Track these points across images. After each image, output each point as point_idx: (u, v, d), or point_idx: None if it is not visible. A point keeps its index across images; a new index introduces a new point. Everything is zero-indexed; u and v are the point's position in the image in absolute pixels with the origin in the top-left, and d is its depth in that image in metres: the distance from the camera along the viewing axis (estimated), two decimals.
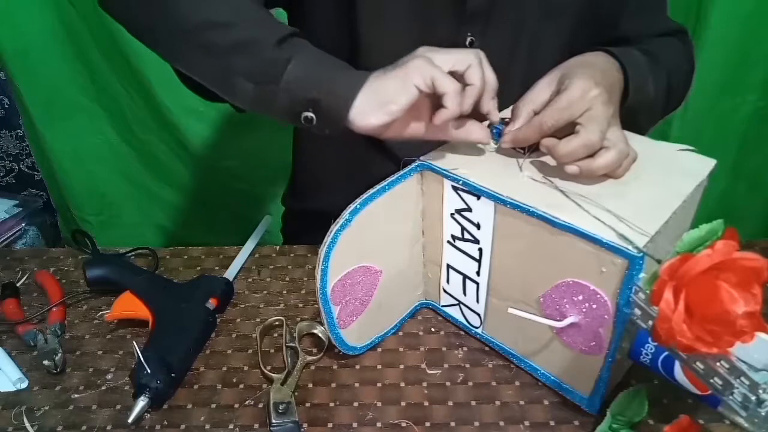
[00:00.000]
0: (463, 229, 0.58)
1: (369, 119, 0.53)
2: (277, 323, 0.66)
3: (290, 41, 0.55)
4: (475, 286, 0.61)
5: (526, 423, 0.56)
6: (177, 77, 0.64)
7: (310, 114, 0.54)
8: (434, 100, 0.54)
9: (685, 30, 0.76)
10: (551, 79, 0.58)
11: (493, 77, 0.56)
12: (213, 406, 0.58)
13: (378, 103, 0.53)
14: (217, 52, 0.56)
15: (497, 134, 0.60)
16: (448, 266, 0.63)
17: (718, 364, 0.42)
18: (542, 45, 0.71)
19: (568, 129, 0.54)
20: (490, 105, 0.57)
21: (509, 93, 0.63)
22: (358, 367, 0.62)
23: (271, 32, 0.55)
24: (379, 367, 0.62)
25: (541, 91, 0.58)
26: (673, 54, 0.73)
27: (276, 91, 0.54)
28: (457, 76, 0.54)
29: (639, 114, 0.64)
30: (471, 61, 0.54)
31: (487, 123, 0.59)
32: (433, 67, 0.52)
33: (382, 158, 0.74)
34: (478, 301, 0.62)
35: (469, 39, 0.69)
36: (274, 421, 0.55)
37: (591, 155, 0.53)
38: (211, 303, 0.67)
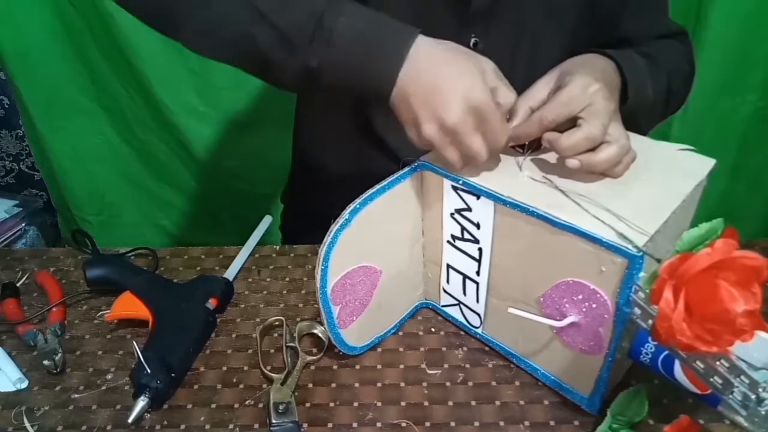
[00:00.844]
0: (463, 228, 0.58)
1: (399, 109, 0.53)
2: (277, 323, 0.66)
3: (322, 27, 0.51)
4: (475, 285, 0.61)
5: (526, 423, 0.56)
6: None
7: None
8: None
9: (686, 32, 0.76)
10: (550, 78, 0.58)
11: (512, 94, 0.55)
12: (213, 406, 0.58)
13: (407, 110, 0.53)
14: (248, 47, 0.54)
15: None
16: (448, 266, 0.63)
17: (717, 363, 0.42)
18: (543, 45, 0.71)
19: (568, 125, 0.54)
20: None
21: None
22: (358, 367, 0.62)
23: (303, 21, 0.52)
24: (379, 367, 0.62)
25: (540, 89, 0.58)
26: (673, 56, 0.73)
27: (321, 87, 0.55)
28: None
29: (638, 116, 0.64)
30: (482, 157, 0.52)
31: None
32: (471, 139, 0.51)
33: (382, 158, 0.74)
34: (478, 301, 0.62)
35: (473, 40, 0.69)
36: (274, 421, 0.55)
37: (592, 149, 0.53)
38: (211, 303, 0.67)
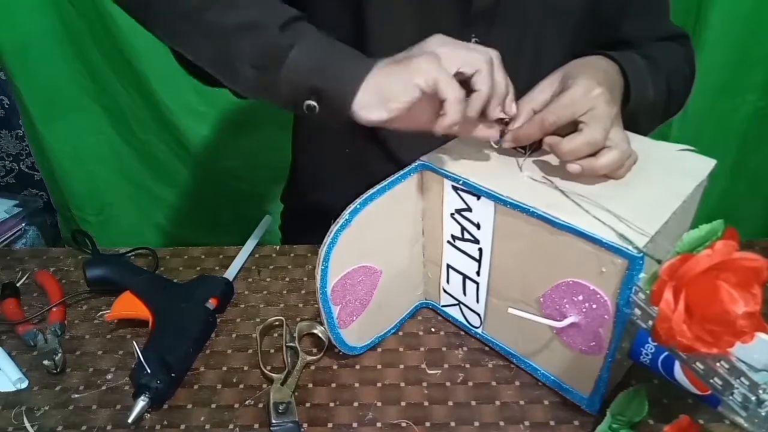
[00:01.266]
0: (463, 229, 0.58)
1: (370, 114, 0.52)
2: (277, 323, 0.66)
3: (294, 26, 0.53)
4: (475, 286, 0.61)
5: (526, 423, 0.56)
6: (177, 62, 0.63)
7: (313, 102, 0.53)
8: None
9: (687, 35, 0.76)
10: (553, 80, 0.58)
11: (504, 82, 0.54)
12: (213, 406, 0.58)
13: (380, 99, 0.52)
14: (218, 33, 0.55)
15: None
16: (448, 266, 0.63)
17: (718, 364, 0.42)
18: (545, 46, 0.71)
19: (569, 128, 0.54)
20: (496, 111, 0.56)
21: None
22: (358, 367, 0.62)
23: (276, 15, 0.53)
24: (379, 367, 0.62)
25: (543, 90, 0.58)
26: (674, 58, 0.73)
27: (277, 78, 0.53)
28: (465, 77, 0.53)
29: (639, 118, 0.64)
30: (479, 66, 0.52)
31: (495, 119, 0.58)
32: (438, 68, 0.51)
33: (382, 158, 0.74)
34: (478, 301, 0.62)
35: (473, 40, 0.69)
36: (274, 421, 0.55)
37: (593, 154, 0.53)
38: (211, 303, 0.67)
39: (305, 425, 0.56)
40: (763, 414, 0.41)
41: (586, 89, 0.54)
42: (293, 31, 0.53)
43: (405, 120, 0.54)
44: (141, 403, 0.55)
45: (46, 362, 0.61)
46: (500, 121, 0.58)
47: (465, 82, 0.53)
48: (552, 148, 0.55)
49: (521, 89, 0.60)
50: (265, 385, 0.60)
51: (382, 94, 0.52)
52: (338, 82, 0.52)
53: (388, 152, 0.75)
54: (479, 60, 0.52)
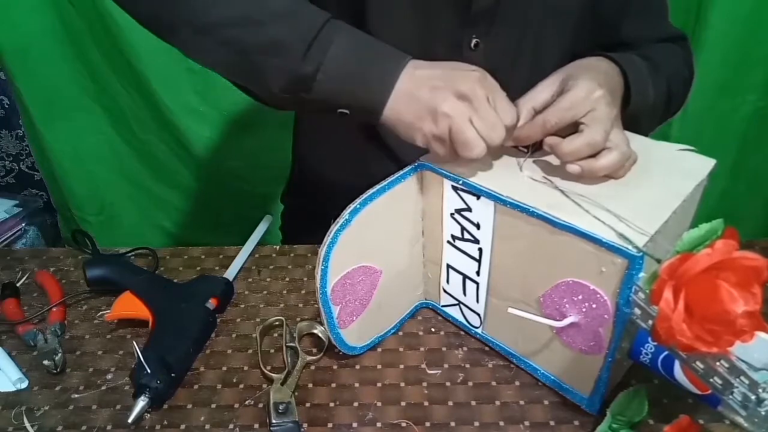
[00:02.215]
0: (463, 229, 0.58)
1: (395, 129, 0.55)
2: (277, 323, 0.66)
3: (318, 43, 0.53)
4: (475, 286, 0.61)
5: (526, 423, 0.56)
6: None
7: (345, 111, 0.56)
8: None
9: (686, 36, 0.77)
10: (554, 80, 0.58)
11: (505, 136, 0.54)
12: (213, 406, 0.58)
13: (403, 125, 0.54)
14: (244, 50, 0.55)
15: None
16: (448, 266, 0.63)
17: (717, 363, 0.42)
18: (545, 47, 0.71)
19: (570, 130, 0.54)
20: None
21: (512, 95, 0.63)
22: (358, 367, 0.62)
23: (299, 34, 0.53)
24: (379, 367, 0.62)
25: (543, 90, 0.58)
26: (673, 60, 0.74)
27: (306, 99, 0.55)
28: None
29: (639, 119, 0.64)
30: (477, 154, 0.52)
31: None
32: (459, 124, 0.51)
33: (382, 158, 0.74)
34: (478, 301, 0.62)
35: (474, 41, 0.69)
36: (274, 421, 0.55)
37: (594, 155, 0.53)
38: (211, 303, 0.67)
39: (305, 425, 0.56)
40: (763, 413, 0.41)
41: (587, 91, 0.54)
42: (317, 50, 0.53)
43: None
44: (141, 403, 0.55)
45: (46, 362, 0.61)
46: None
47: None
48: (552, 149, 0.55)
49: (521, 89, 0.60)
50: (265, 385, 0.60)
51: (404, 121, 0.54)
52: (364, 101, 0.54)
53: (388, 152, 0.75)
54: (488, 140, 0.52)
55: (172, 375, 0.58)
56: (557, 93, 0.57)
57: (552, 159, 0.58)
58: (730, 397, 0.42)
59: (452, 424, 0.56)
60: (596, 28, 0.72)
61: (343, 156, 0.80)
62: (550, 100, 0.57)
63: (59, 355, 0.62)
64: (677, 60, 0.74)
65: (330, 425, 0.56)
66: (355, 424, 0.56)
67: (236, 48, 0.55)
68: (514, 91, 0.61)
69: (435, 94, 0.52)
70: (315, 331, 0.65)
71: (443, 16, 0.68)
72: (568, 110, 0.54)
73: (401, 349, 0.64)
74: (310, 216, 0.85)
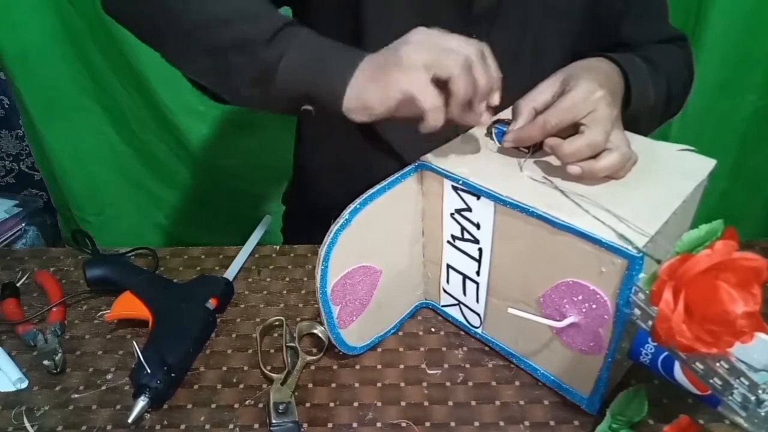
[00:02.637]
0: (463, 229, 0.58)
1: (356, 117, 0.54)
2: (277, 323, 0.66)
3: (280, 36, 0.54)
4: (474, 286, 0.61)
5: (526, 423, 0.56)
6: (185, 79, 0.64)
7: (309, 107, 0.55)
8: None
9: (685, 37, 0.77)
10: (554, 81, 0.58)
11: (485, 78, 0.53)
12: (213, 406, 0.58)
13: (361, 106, 0.53)
14: (216, 52, 0.56)
15: (499, 135, 0.60)
16: (448, 266, 0.63)
17: (717, 364, 0.42)
18: (546, 47, 0.71)
19: (570, 131, 0.54)
20: (480, 107, 0.55)
21: (513, 95, 0.63)
22: (358, 367, 0.62)
23: (264, 28, 0.54)
24: (379, 367, 0.62)
25: (544, 91, 0.58)
26: (673, 61, 0.74)
27: (273, 92, 0.54)
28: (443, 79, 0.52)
29: (640, 120, 0.65)
30: (452, 71, 0.50)
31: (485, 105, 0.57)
32: (413, 79, 0.50)
33: (385, 158, 0.74)
34: (478, 301, 0.62)
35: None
36: (274, 421, 0.55)
37: (594, 156, 0.53)
38: (211, 303, 0.67)
39: (305, 425, 0.56)
40: (763, 414, 0.41)
41: (588, 92, 0.54)
42: (280, 41, 0.54)
43: (393, 117, 0.54)
44: (141, 403, 0.55)
45: (46, 362, 0.61)
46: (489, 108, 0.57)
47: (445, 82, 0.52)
48: (553, 150, 0.55)
49: (521, 89, 0.60)
50: (265, 385, 0.60)
51: (362, 101, 0.53)
52: (326, 88, 0.54)
53: (390, 152, 0.75)
54: (454, 64, 0.51)
55: (172, 375, 0.58)
56: (558, 93, 0.57)
57: (552, 159, 0.58)
58: (730, 397, 0.42)
59: (452, 424, 0.56)
60: (597, 29, 0.72)
61: (346, 157, 0.80)
62: (550, 100, 0.57)
63: (59, 355, 0.62)
64: (677, 61, 0.74)
65: (330, 425, 0.56)
66: (355, 424, 0.56)
67: (207, 48, 0.56)
68: (515, 91, 0.61)
69: (397, 51, 0.52)
70: (315, 331, 0.65)
71: (443, 16, 0.68)
72: (569, 111, 0.54)
73: (401, 349, 0.64)
74: (311, 217, 0.85)
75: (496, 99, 0.55)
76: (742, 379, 0.41)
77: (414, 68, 0.50)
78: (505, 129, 0.60)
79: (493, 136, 0.61)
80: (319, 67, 0.54)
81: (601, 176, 0.54)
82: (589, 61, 0.61)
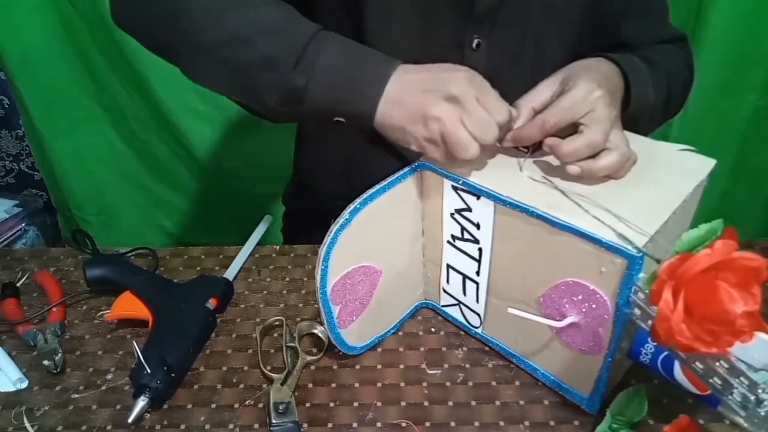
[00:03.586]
0: (462, 229, 0.58)
1: (389, 135, 0.55)
2: (277, 323, 0.66)
3: (306, 56, 0.54)
4: (474, 286, 0.61)
5: (526, 423, 0.56)
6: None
7: (341, 119, 0.56)
8: None
9: (685, 37, 0.77)
10: (553, 81, 0.58)
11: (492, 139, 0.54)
12: (213, 406, 0.58)
13: (395, 130, 0.54)
14: (238, 68, 0.56)
15: None
16: (448, 266, 0.63)
17: (717, 363, 0.42)
18: (546, 48, 0.71)
19: (570, 130, 0.54)
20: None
21: (513, 95, 0.63)
22: (358, 367, 0.62)
23: (289, 48, 0.54)
24: (379, 367, 0.62)
25: (543, 90, 0.58)
26: (673, 61, 0.74)
27: (302, 111, 0.56)
28: None
29: (639, 120, 0.65)
30: (471, 155, 0.52)
31: None
32: (450, 127, 0.51)
33: (386, 157, 0.74)
34: (477, 301, 0.62)
35: (476, 41, 0.69)
36: (274, 421, 0.55)
37: (593, 156, 0.53)
38: (211, 303, 0.67)
39: (305, 425, 0.56)
40: (763, 414, 0.41)
41: (587, 92, 0.54)
42: (307, 62, 0.54)
43: None
44: (141, 403, 0.55)
45: (46, 362, 0.61)
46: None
47: None
48: (552, 150, 0.55)
49: (522, 90, 0.60)
50: (265, 385, 0.60)
51: (394, 126, 0.54)
52: (358, 108, 0.54)
53: (392, 152, 0.75)
54: (481, 140, 0.52)
55: (172, 375, 0.58)
56: (557, 93, 0.57)
57: (552, 159, 0.58)
58: (730, 397, 0.42)
59: (452, 424, 0.56)
60: (597, 29, 0.72)
61: (345, 157, 0.80)
62: (549, 100, 0.57)
63: (59, 355, 0.62)
64: (677, 61, 0.74)
65: (330, 425, 0.56)
66: (355, 424, 0.56)
67: (231, 66, 0.56)
68: (515, 91, 0.61)
69: (425, 98, 0.52)
70: (315, 331, 0.65)
71: (444, 16, 0.68)
72: (568, 110, 0.54)
73: (401, 349, 0.64)
74: (311, 217, 0.85)
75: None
76: (741, 378, 0.41)
77: (435, 128, 0.52)
78: None
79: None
80: (349, 86, 0.54)
81: (600, 176, 0.54)
82: (589, 61, 0.61)
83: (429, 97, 0.52)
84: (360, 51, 0.56)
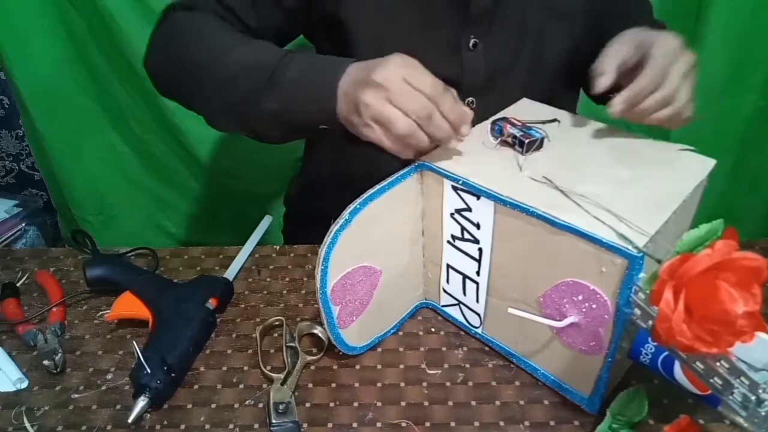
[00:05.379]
0: (462, 229, 0.58)
1: (350, 129, 0.57)
2: (277, 323, 0.66)
3: (274, 80, 0.59)
4: (474, 286, 0.61)
5: (526, 423, 0.56)
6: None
7: (325, 126, 0.60)
8: None
9: (665, 26, 0.79)
10: (620, 45, 0.60)
11: (443, 126, 0.54)
12: (213, 406, 0.58)
13: (347, 123, 0.57)
14: (232, 108, 0.63)
15: (498, 132, 0.60)
16: (448, 266, 0.63)
17: (717, 363, 0.42)
18: (547, 45, 0.71)
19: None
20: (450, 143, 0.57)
21: (512, 94, 0.63)
22: (358, 367, 0.62)
23: (260, 77, 0.60)
24: (379, 367, 0.62)
25: (618, 52, 0.59)
26: None
27: (290, 128, 0.63)
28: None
29: None
30: (406, 129, 0.53)
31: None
32: (367, 130, 0.54)
33: (384, 157, 0.74)
34: (477, 301, 0.62)
35: (473, 41, 0.69)
36: (274, 421, 0.55)
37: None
38: (211, 303, 0.67)
39: (305, 425, 0.56)
40: (763, 414, 0.41)
41: (671, 38, 0.57)
42: (275, 87, 0.59)
43: None
44: (141, 403, 0.55)
45: (46, 362, 0.61)
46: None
47: None
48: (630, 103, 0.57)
49: (520, 88, 0.60)
50: (265, 385, 0.60)
51: (345, 119, 0.57)
52: (323, 111, 0.58)
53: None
54: (401, 127, 0.53)
55: (172, 375, 0.58)
56: (635, 53, 0.58)
57: (552, 159, 0.58)
58: (730, 397, 0.42)
59: (452, 424, 0.56)
60: (598, 25, 0.72)
61: (346, 157, 0.80)
62: (630, 58, 0.58)
63: (59, 355, 0.62)
64: None
65: (330, 425, 0.56)
66: (355, 424, 0.56)
67: (227, 108, 0.64)
68: (515, 90, 0.61)
69: (355, 88, 0.55)
70: (315, 331, 0.65)
71: (441, 15, 0.68)
72: (666, 56, 0.56)
73: (401, 349, 0.64)
74: (311, 217, 0.85)
75: (464, 131, 0.57)
76: (742, 378, 0.41)
77: (367, 114, 0.54)
78: (502, 126, 0.60)
79: (493, 135, 0.61)
80: (312, 93, 0.58)
81: (647, 122, 0.57)
82: (636, 29, 0.62)
83: (358, 87, 0.54)
84: (318, 60, 0.61)
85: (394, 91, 0.53)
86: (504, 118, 0.62)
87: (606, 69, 0.58)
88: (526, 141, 0.58)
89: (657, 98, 0.56)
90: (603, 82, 0.58)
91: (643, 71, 0.56)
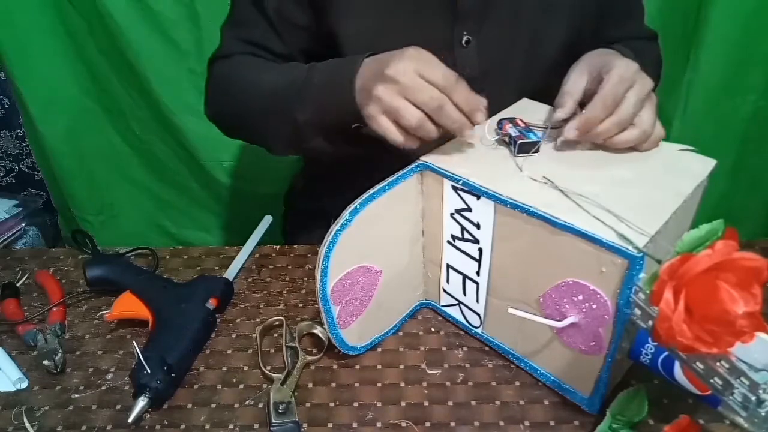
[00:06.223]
0: (463, 229, 0.58)
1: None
2: (277, 323, 0.66)
3: (302, 94, 0.64)
4: (474, 286, 0.61)
5: (526, 423, 0.56)
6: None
7: (358, 124, 0.61)
8: None
9: (656, 35, 0.83)
10: (580, 71, 0.60)
11: (453, 121, 0.55)
12: (213, 406, 0.58)
13: (365, 117, 0.58)
14: (281, 133, 0.69)
15: (497, 130, 0.60)
16: (448, 266, 0.63)
17: (718, 364, 0.42)
18: (542, 41, 0.72)
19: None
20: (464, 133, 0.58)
21: (506, 91, 0.63)
22: (358, 367, 0.62)
23: (291, 96, 0.65)
24: (379, 367, 0.62)
25: (577, 80, 0.60)
26: (649, 55, 0.79)
27: (328, 132, 0.66)
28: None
29: None
30: (415, 120, 0.54)
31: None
32: (377, 121, 0.56)
33: (384, 157, 0.74)
34: (477, 301, 0.62)
35: (465, 38, 0.69)
36: (274, 421, 0.55)
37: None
38: (211, 303, 0.67)
39: (305, 425, 0.56)
40: (763, 414, 0.41)
41: (626, 66, 0.57)
42: (304, 99, 0.64)
43: None
44: (141, 403, 0.55)
45: (46, 362, 0.61)
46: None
47: None
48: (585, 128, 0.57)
49: (515, 84, 0.60)
50: (265, 385, 0.60)
51: (363, 113, 0.58)
52: (349, 107, 0.59)
53: (391, 152, 0.75)
54: (411, 117, 0.54)
55: (172, 375, 0.58)
56: (595, 79, 0.58)
57: (552, 159, 0.58)
58: (731, 397, 0.42)
59: (452, 424, 0.56)
60: (593, 18, 0.74)
61: (346, 157, 0.80)
62: (589, 86, 0.59)
63: (59, 355, 0.62)
64: (652, 55, 0.80)
65: (330, 425, 0.56)
66: (355, 424, 0.56)
67: (274, 134, 0.71)
68: (508, 87, 0.61)
69: (368, 83, 0.56)
70: (315, 331, 0.65)
71: (431, 13, 0.68)
72: (620, 84, 0.56)
73: (401, 349, 0.64)
74: (311, 217, 0.85)
75: (479, 118, 0.57)
76: (742, 378, 0.41)
77: (378, 107, 0.56)
78: (502, 124, 0.60)
79: (494, 134, 0.61)
80: (337, 94, 0.60)
81: (619, 148, 0.57)
82: (600, 50, 0.63)
83: (371, 81, 0.55)
84: (336, 62, 0.63)
85: (406, 85, 0.54)
86: (511, 118, 0.62)
87: (564, 103, 0.59)
88: (519, 141, 0.58)
89: (613, 121, 0.56)
90: (559, 116, 0.59)
91: (595, 97, 0.57)
